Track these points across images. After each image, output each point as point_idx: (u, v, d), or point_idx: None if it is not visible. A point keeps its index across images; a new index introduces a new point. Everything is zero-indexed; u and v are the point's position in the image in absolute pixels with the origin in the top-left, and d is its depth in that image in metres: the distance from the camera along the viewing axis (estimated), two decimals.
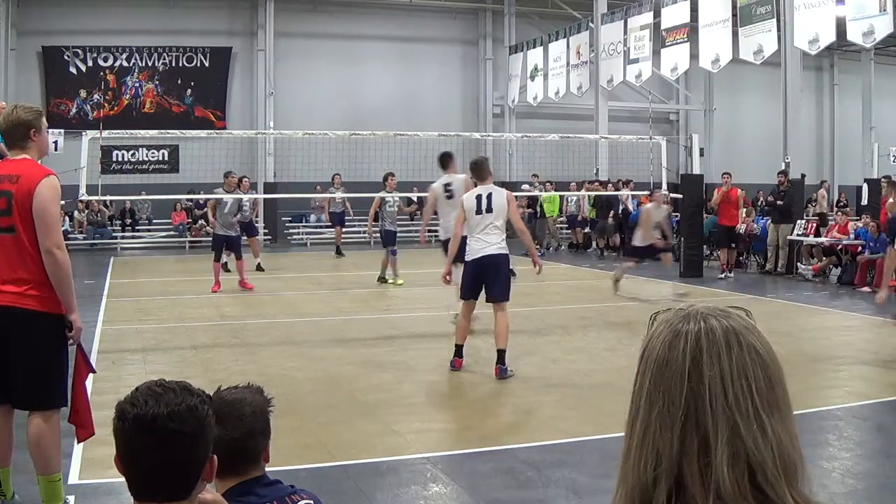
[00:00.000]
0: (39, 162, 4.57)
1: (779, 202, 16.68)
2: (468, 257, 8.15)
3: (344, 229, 21.49)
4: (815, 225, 16.56)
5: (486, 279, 8.06)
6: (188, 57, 25.62)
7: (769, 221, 17.11)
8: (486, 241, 8.02)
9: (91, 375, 4.82)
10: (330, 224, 22.04)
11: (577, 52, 24.76)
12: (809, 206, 21.91)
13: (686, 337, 1.16)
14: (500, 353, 7.93)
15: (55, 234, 4.37)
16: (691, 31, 20.14)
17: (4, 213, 4.35)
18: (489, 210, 8.05)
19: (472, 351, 9.12)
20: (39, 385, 4.39)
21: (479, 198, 8.13)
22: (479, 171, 8.48)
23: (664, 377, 1.15)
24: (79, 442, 4.60)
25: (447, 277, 8.64)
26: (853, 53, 28.23)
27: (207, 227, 24.09)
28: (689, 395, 1.13)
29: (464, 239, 8.31)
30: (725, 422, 1.12)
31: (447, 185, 10.63)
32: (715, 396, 1.13)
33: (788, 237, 16.34)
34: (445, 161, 10.85)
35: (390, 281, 15.02)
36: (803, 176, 17.03)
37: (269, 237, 25.00)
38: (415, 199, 17.23)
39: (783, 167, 17.29)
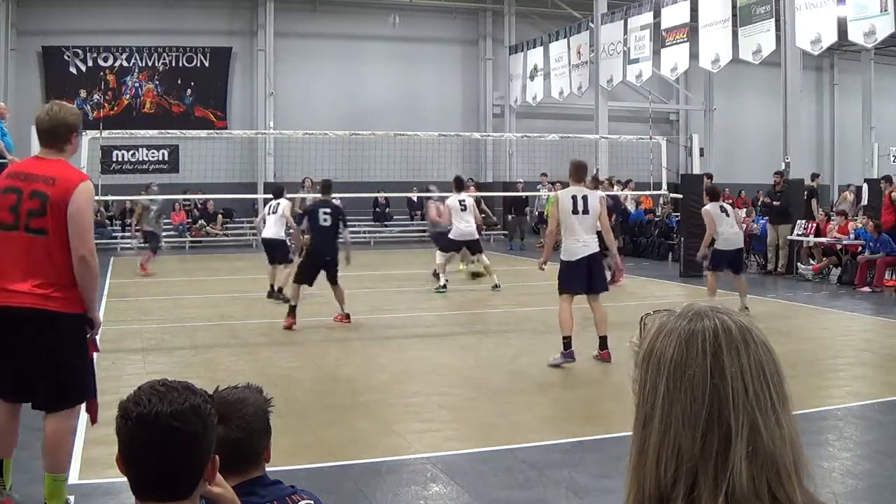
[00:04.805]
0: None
1: (775, 203, 16.67)
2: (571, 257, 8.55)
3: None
4: (814, 225, 16.56)
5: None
6: (188, 57, 25.61)
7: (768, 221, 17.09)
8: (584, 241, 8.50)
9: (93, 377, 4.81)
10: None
11: (578, 52, 24.77)
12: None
13: (704, 334, 1.16)
14: (602, 339, 8.44)
15: (89, 241, 4.30)
16: (691, 31, 20.14)
17: (38, 215, 4.24)
18: (585, 211, 8.45)
19: (470, 352, 9.12)
20: (65, 384, 4.35)
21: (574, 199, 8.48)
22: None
23: (685, 375, 1.15)
24: (93, 423, 4.59)
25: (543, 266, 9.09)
26: (853, 53, 28.21)
27: (207, 228, 24.25)
28: (713, 391, 1.14)
29: None
30: (746, 417, 1.13)
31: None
32: (737, 392, 1.14)
33: (788, 237, 16.34)
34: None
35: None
36: (817, 175, 16.87)
37: None
38: (414, 199, 17.08)
39: (783, 167, 17.28)
